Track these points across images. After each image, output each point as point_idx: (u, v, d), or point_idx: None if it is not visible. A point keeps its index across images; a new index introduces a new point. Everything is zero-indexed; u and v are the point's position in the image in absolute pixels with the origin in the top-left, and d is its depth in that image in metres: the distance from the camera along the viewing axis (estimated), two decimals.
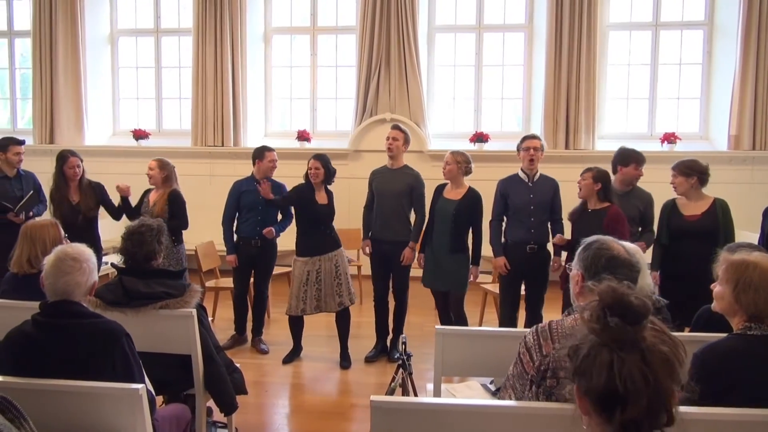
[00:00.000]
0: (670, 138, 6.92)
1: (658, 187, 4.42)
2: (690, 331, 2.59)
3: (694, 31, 7.25)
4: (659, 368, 1.13)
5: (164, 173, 4.70)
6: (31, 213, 4.70)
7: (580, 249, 1.93)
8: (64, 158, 4.75)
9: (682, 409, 1.21)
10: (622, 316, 1.18)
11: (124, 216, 4.80)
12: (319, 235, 4.40)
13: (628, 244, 1.95)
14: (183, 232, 4.75)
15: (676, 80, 7.31)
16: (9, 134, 6.22)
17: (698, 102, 7.27)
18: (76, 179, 4.75)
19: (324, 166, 4.40)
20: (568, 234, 4.19)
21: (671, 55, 7.29)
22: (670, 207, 4.05)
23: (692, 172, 3.93)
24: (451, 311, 4.40)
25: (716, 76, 7.12)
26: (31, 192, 4.80)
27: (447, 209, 4.28)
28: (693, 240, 3.84)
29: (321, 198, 4.43)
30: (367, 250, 4.63)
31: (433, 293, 4.50)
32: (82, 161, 4.79)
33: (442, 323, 4.36)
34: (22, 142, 5.02)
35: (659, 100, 7.33)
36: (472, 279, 4.35)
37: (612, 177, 4.13)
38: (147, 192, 4.80)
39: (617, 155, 4.30)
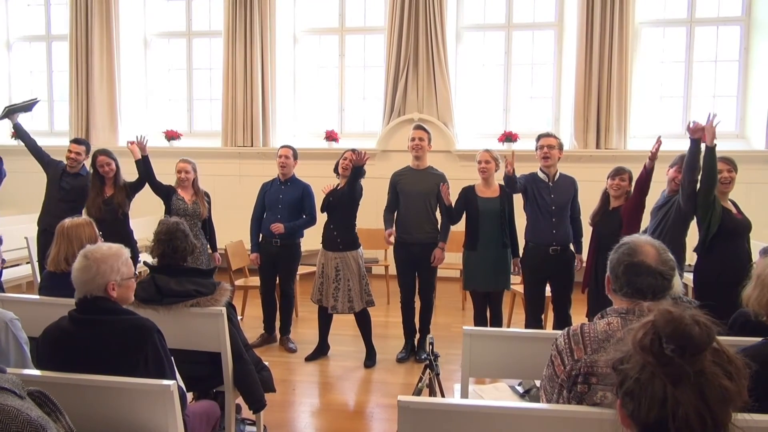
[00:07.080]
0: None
1: None
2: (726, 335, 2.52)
3: (730, 27, 7.07)
4: (717, 404, 1.02)
5: (195, 175, 4.89)
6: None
7: (613, 249, 1.84)
8: (93, 157, 4.90)
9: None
10: (680, 347, 1.05)
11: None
12: (326, 229, 4.46)
13: (663, 249, 1.78)
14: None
15: (712, 77, 7.14)
16: (46, 135, 6.42)
17: (734, 100, 7.09)
18: (110, 177, 4.85)
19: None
20: (587, 234, 4.16)
21: (706, 52, 7.13)
22: (721, 206, 3.72)
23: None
24: (491, 310, 4.39)
25: (753, 72, 6.93)
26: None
27: (492, 207, 4.27)
28: (742, 237, 3.70)
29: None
30: (392, 238, 4.49)
31: (472, 295, 4.46)
32: (114, 160, 4.88)
33: (478, 324, 4.35)
34: (76, 141, 5.27)
35: (694, 98, 7.16)
36: (515, 271, 4.36)
37: None
38: (173, 189, 4.86)
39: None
